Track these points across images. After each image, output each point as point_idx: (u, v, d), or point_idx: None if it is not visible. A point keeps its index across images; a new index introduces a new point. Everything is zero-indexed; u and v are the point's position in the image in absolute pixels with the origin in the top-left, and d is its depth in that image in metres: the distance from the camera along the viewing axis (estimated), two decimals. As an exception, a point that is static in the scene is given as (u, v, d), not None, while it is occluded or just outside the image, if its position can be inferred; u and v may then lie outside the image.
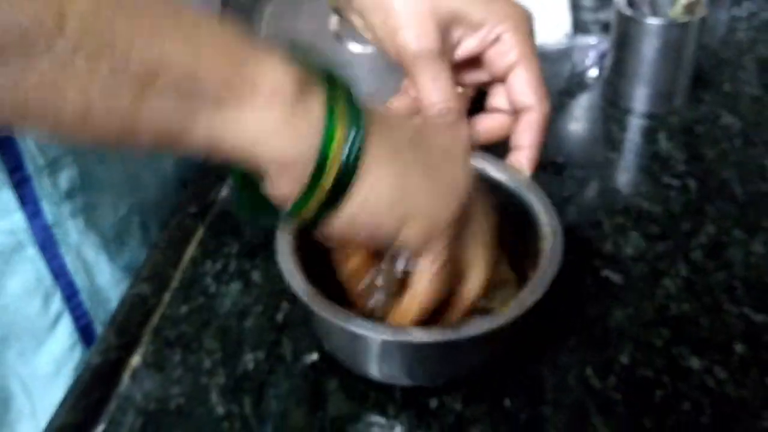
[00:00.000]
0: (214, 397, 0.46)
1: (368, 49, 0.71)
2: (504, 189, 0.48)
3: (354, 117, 0.33)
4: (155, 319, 0.51)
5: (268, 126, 0.32)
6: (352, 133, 0.33)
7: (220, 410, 0.45)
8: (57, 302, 0.53)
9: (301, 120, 0.32)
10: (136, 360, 0.48)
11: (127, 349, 0.49)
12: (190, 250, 0.55)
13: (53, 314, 0.53)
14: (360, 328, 0.40)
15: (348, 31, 0.64)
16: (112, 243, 0.55)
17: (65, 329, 0.55)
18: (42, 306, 0.52)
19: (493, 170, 0.49)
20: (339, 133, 0.33)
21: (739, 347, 0.47)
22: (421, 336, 0.40)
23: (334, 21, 0.61)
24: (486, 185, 0.44)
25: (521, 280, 0.47)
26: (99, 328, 0.56)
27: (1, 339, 0.52)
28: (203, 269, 0.54)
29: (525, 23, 0.48)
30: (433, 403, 0.45)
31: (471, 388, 0.45)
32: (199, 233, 0.57)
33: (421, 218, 0.37)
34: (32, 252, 0.50)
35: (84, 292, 0.54)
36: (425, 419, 0.44)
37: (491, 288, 0.45)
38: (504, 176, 0.48)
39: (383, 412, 0.45)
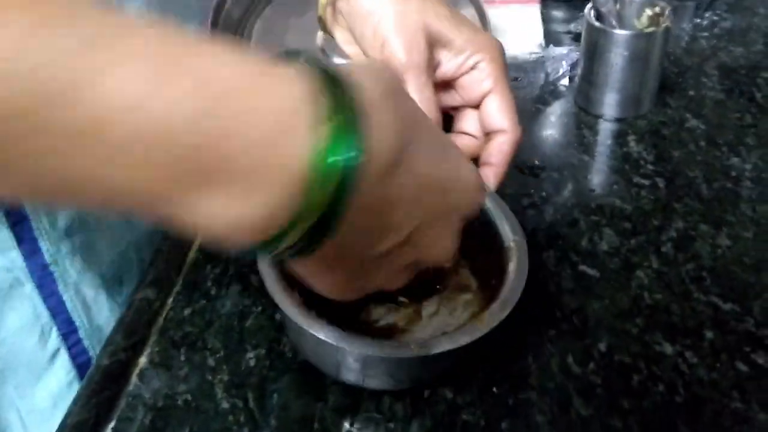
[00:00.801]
0: (219, 392, 0.49)
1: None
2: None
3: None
4: (160, 321, 0.53)
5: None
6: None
7: (225, 404, 0.48)
8: (54, 339, 0.54)
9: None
10: (143, 360, 0.51)
11: (134, 350, 0.51)
12: (191, 255, 0.58)
13: (51, 350, 0.54)
14: (330, 337, 0.42)
15: (334, 47, 0.68)
16: (111, 280, 0.56)
17: (63, 365, 0.55)
18: (39, 342, 0.53)
19: None
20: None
21: (708, 333, 0.51)
22: (393, 352, 0.43)
23: (320, 36, 0.64)
24: None
25: (484, 287, 0.50)
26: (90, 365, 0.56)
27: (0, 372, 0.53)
28: (204, 273, 0.56)
29: (501, 55, 0.51)
30: (426, 393, 0.48)
31: (461, 378, 0.48)
32: (198, 240, 0.59)
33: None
34: (30, 289, 0.51)
35: (82, 329, 0.55)
36: (419, 408, 0.47)
37: (454, 293, 0.50)
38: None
39: (379, 403, 0.47)
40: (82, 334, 0.55)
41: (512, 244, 0.48)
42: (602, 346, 0.50)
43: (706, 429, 0.45)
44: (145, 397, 0.48)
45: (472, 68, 0.50)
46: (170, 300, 0.54)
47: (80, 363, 0.56)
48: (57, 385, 0.55)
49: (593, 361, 0.49)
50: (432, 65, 0.50)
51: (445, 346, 0.42)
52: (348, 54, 0.57)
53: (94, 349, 0.56)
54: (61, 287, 0.52)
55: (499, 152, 0.50)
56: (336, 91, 0.28)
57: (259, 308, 0.54)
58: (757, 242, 0.57)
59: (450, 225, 0.38)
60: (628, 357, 0.49)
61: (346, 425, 0.46)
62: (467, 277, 0.52)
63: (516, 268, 0.46)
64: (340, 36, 0.57)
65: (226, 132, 0.26)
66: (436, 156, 0.35)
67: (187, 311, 0.54)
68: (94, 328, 0.55)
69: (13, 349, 0.52)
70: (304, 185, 0.27)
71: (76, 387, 0.55)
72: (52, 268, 0.51)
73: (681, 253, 0.57)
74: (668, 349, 0.50)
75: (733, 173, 0.64)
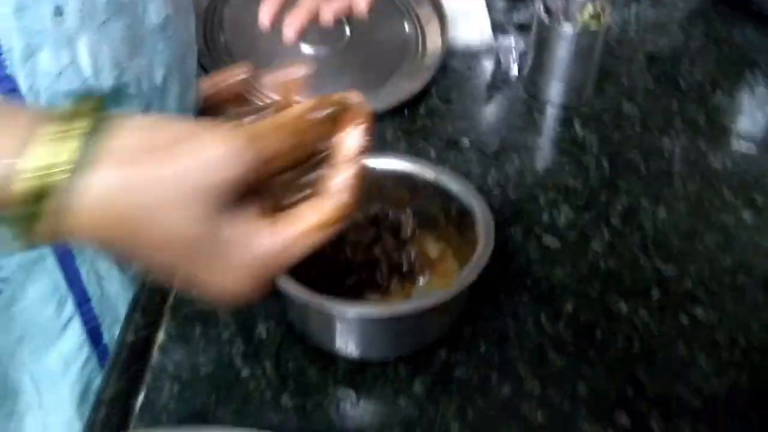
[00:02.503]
0: (238, 362, 0.54)
1: (321, 51, 0.79)
2: (444, 189, 0.58)
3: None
4: (171, 300, 0.57)
5: None
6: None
7: (245, 373, 0.53)
8: (69, 307, 0.57)
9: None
10: (161, 336, 0.55)
11: (152, 327, 0.56)
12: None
13: (65, 318, 0.57)
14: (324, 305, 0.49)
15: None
16: None
17: (75, 331, 0.59)
18: (56, 310, 0.57)
19: (433, 174, 0.58)
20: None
21: (655, 293, 0.60)
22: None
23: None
24: (431, 188, 0.57)
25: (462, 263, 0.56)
26: (106, 331, 0.60)
27: (18, 338, 0.56)
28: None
29: None
30: (423, 356, 0.54)
31: (452, 342, 0.55)
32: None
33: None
34: (51, 263, 0.55)
35: (95, 299, 0.58)
36: (419, 369, 0.54)
37: (434, 265, 0.58)
38: (445, 179, 0.58)
39: (385, 365, 0.54)
40: (94, 303, 0.58)
41: (480, 221, 0.54)
42: (569, 308, 0.58)
43: (659, 373, 0.54)
44: (169, 370, 0.53)
45: None
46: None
47: (90, 328, 0.59)
48: (68, 350, 0.59)
49: (562, 321, 0.57)
50: None
51: (420, 305, 0.50)
52: None
53: (103, 316, 0.60)
54: (78, 261, 0.55)
55: None
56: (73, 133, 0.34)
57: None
58: (690, 214, 0.66)
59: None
60: (591, 316, 0.58)
61: (359, 386, 0.53)
62: (449, 258, 0.59)
63: (484, 240, 0.53)
64: None
65: None
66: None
67: (185, 309, 0.58)
68: (105, 298, 0.59)
69: (32, 318, 0.56)
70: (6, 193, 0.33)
71: (86, 350, 0.60)
72: (72, 243, 0.54)
73: (627, 225, 0.65)
74: (623, 308, 0.58)
75: (666, 154, 0.73)
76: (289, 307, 0.56)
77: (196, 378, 0.53)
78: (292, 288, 0.50)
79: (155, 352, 0.54)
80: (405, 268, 0.58)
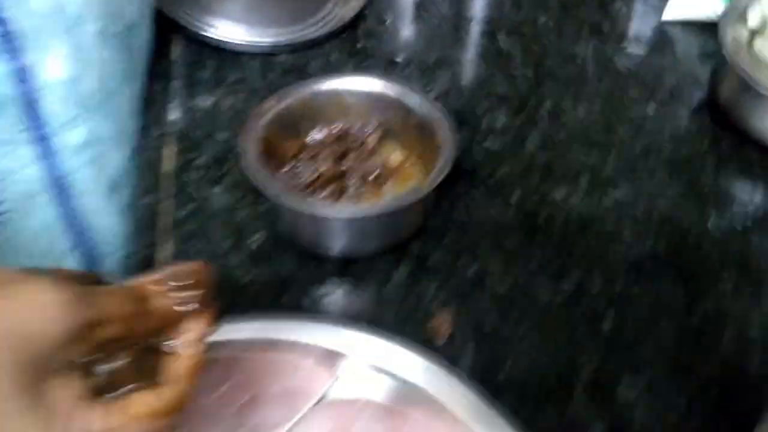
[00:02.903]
0: (238, 273, 0.61)
1: None
2: (403, 102, 0.65)
3: None
4: (165, 223, 0.63)
5: None
6: None
7: (245, 280, 0.60)
8: (67, 240, 0.62)
9: None
10: (163, 255, 0.61)
11: (152, 247, 0.61)
12: (168, 165, 0.67)
13: (64, 250, 0.62)
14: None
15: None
16: (114, 188, 0.65)
17: (75, 260, 0.64)
18: (56, 242, 0.62)
19: (392, 89, 0.66)
20: None
21: (583, 180, 0.70)
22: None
23: None
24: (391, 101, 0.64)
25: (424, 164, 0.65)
26: (105, 260, 0.65)
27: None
28: (186, 179, 0.66)
29: None
30: (401, 249, 0.63)
31: (423, 235, 0.64)
32: (170, 150, 0.69)
33: None
34: (48, 198, 0.59)
35: (91, 230, 0.63)
36: (399, 258, 0.62)
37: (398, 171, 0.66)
38: (403, 92, 0.66)
39: (369, 260, 0.62)
40: (92, 234, 0.63)
41: (442, 127, 0.63)
42: (515, 197, 0.68)
43: (592, 245, 0.65)
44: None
45: None
46: (167, 203, 0.64)
47: (89, 259, 0.64)
48: None
49: (511, 209, 0.67)
50: None
51: (400, 202, 0.59)
52: None
53: (101, 245, 0.64)
54: (74, 195, 0.60)
55: None
56: None
57: (245, 202, 0.65)
58: (604, 110, 0.77)
59: None
60: (533, 203, 0.68)
61: (349, 279, 0.61)
62: (410, 164, 0.67)
63: (447, 145, 0.62)
64: None
65: None
66: None
67: (184, 212, 0.64)
68: (101, 228, 0.64)
69: (33, 249, 0.60)
70: None
71: None
72: (67, 178, 0.59)
73: (554, 124, 0.75)
74: (558, 194, 0.69)
75: (579, 60, 0.82)
76: (280, 217, 0.63)
77: (205, 287, 0.59)
78: (285, 198, 0.57)
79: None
80: (373, 176, 0.65)
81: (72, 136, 0.57)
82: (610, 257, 0.64)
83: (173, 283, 0.37)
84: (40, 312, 0.30)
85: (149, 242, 0.62)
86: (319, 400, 0.50)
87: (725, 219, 0.67)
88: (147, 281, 0.36)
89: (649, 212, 0.68)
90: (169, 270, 0.38)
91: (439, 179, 0.59)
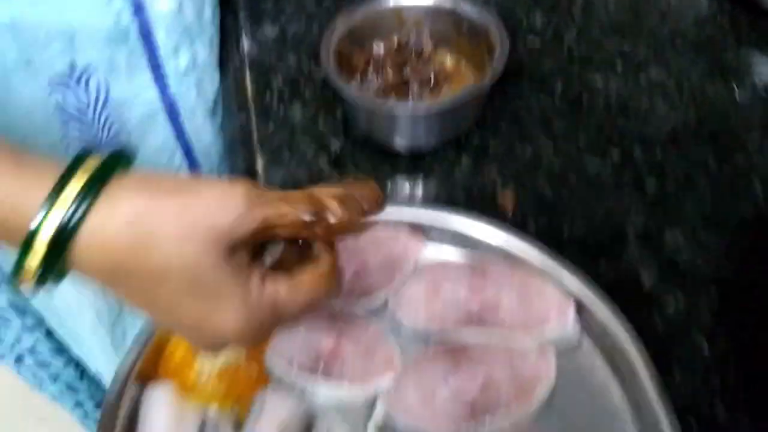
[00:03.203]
0: (326, 171, 0.70)
1: None
2: (454, 10, 0.73)
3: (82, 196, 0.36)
4: (255, 139, 0.72)
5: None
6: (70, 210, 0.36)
7: (332, 180, 0.69)
8: (179, 157, 0.72)
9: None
10: (260, 163, 0.70)
11: (250, 161, 0.71)
12: (251, 89, 0.76)
13: (176, 166, 0.72)
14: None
15: None
16: (212, 109, 0.74)
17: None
18: (169, 160, 0.71)
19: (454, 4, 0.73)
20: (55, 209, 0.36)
21: (618, 64, 0.78)
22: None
23: None
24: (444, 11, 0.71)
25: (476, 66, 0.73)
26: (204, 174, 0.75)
27: None
28: (267, 100, 0.75)
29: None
30: (463, 140, 0.72)
31: (481, 126, 0.72)
32: (250, 76, 0.77)
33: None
34: (163, 118, 0.68)
35: (196, 149, 0.73)
36: (462, 149, 0.71)
37: (452, 75, 0.73)
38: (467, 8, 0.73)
39: (435, 152, 0.71)
40: (196, 153, 0.73)
41: (495, 32, 0.70)
42: (559, 87, 0.76)
43: (632, 120, 0.73)
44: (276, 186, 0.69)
45: None
46: (255, 122, 0.73)
47: (193, 172, 0.74)
48: None
49: (556, 97, 0.75)
50: None
51: (462, 97, 0.68)
52: None
53: (202, 161, 0.74)
54: (183, 116, 0.69)
55: None
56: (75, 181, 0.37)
57: (325, 110, 0.74)
58: (631, 2, 0.84)
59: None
60: (576, 90, 0.76)
61: (422, 169, 0.70)
62: (462, 67, 0.75)
63: (500, 46, 0.69)
64: None
65: None
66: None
67: (271, 128, 0.73)
68: (202, 146, 0.73)
69: (150, 167, 0.70)
70: (27, 241, 0.36)
71: None
72: (177, 101, 0.68)
73: (587, 17, 0.82)
74: (598, 80, 0.76)
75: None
76: (356, 120, 0.71)
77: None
78: (361, 99, 0.66)
79: (260, 176, 0.70)
80: (431, 81, 0.74)
81: (178, 63, 0.66)
82: (648, 131, 0.72)
83: (346, 199, 0.42)
84: (218, 205, 0.37)
85: (245, 156, 0.71)
86: (414, 266, 0.60)
87: (747, 88, 0.75)
88: (323, 192, 0.41)
89: (680, 88, 0.76)
90: (346, 187, 0.43)
91: (497, 76, 0.67)
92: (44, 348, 0.80)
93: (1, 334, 0.77)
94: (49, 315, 0.78)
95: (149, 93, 0.66)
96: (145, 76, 0.65)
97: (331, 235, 0.42)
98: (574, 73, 0.77)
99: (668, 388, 0.51)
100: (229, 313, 0.39)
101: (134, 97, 0.64)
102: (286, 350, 0.54)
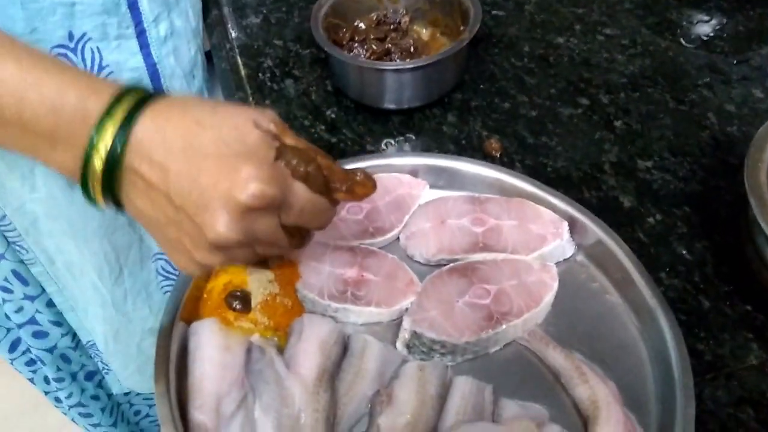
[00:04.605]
0: (324, 136, 0.76)
1: None
2: None
3: (127, 118, 0.45)
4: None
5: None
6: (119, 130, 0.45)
7: (333, 140, 0.75)
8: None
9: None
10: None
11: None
12: (244, 70, 0.82)
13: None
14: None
15: None
16: (189, 75, 0.78)
17: None
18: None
19: None
20: (108, 128, 0.45)
21: (577, 27, 0.86)
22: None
23: None
24: None
25: (450, 35, 0.80)
26: None
27: None
28: (261, 78, 0.81)
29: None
30: (446, 99, 0.78)
31: (461, 87, 0.79)
32: (241, 59, 0.83)
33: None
34: (146, 83, 0.73)
35: None
36: (447, 107, 0.78)
37: (429, 44, 0.80)
38: None
39: (422, 110, 0.77)
40: None
41: (464, 4, 0.78)
42: (526, 48, 0.83)
43: (596, 71, 0.81)
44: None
45: None
46: (251, 98, 0.79)
47: None
48: None
49: (525, 58, 0.83)
50: None
51: (443, 54, 0.74)
52: None
53: None
54: (163, 80, 0.74)
55: None
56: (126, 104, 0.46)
57: (317, 83, 0.80)
58: None
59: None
60: (542, 50, 0.83)
61: (412, 126, 0.76)
62: (437, 37, 0.82)
63: (473, 11, 0.77)
64: None
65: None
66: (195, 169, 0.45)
67: (268, 101, 0.79)
68: None
69: None
70: (86, 150, 0.46)
71: None
72: (158, 66, 0.73)
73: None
74: (560, 39, 0.84)
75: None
76: (349, 83, 0.77)
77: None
78: (353, 59, 0.72)
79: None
80: (411, 50, 0.80)
81: (159, 30, 0.71)
82: (611, 79, 0.80)
83: (346, 178, 0.52)
84: (255, 115, 0.47)
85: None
86: (418, 205, 0.66)
87: (692, 39, 0.84)
88: (329, 162, 0.52)
89: (634, 43, 0.84)
90: (349, 170, 0.53)
91: (470, 37, 0.74)
92: (43, 319, 0.84)
93: (5, 306, 0.80)
94: (49, 283, 0.81)
95: (135, 59, 0.71)
96: (132, 43, 0.70)
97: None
98: (538, 36, 0.85)
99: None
100: (253, 169, 0.45)
101: (123, 62, 0.69)
102: (315, 283, 0.60)
